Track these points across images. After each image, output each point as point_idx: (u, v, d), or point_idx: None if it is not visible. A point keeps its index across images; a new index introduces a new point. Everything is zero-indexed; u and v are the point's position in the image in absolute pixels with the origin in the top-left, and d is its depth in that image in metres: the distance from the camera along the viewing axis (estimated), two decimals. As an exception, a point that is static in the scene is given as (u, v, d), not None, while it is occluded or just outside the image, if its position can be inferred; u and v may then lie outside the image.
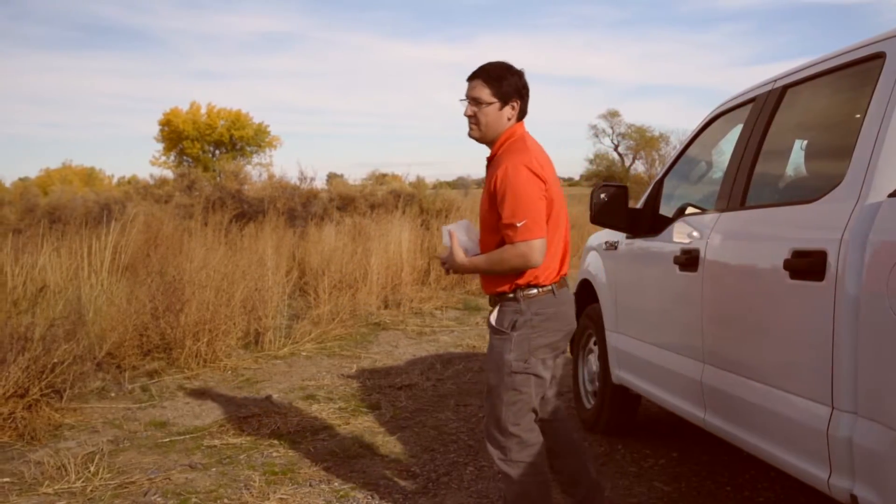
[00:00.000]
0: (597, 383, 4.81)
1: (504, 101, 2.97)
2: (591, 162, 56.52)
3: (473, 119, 3.00)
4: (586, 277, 5.02)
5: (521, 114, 3.05)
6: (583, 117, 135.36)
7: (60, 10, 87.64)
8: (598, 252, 4.87)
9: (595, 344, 4.88)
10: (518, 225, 2.78)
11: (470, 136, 3.05)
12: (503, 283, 2.93)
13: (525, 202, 2.79)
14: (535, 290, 2.92)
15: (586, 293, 5.05)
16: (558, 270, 2.99)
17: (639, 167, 52.03)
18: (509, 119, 2.99)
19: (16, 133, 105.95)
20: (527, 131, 3.07)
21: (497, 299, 2.98)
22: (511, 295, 2.92)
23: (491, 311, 3.03)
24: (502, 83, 2.96)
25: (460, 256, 3.01)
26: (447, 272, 3.14)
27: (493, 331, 2.98)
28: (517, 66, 3.03)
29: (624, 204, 4.03)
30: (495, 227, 2.90)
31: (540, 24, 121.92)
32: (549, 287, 2.95)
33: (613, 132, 56.87)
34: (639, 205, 4.25)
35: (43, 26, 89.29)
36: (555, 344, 2.99)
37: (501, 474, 3.02)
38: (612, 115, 56.91)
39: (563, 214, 3.02)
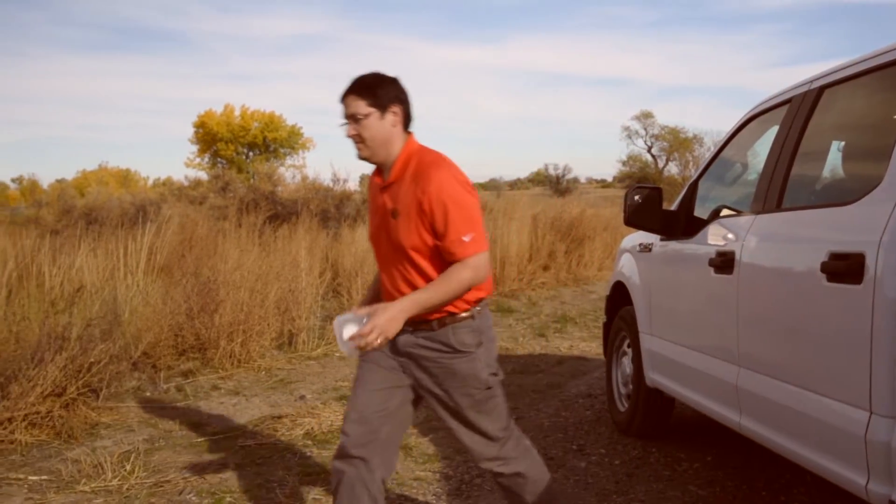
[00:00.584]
0: (630, 386, 4.79)
1: (382, 109, 2.74)
2: (624, 163, 56.09)
3: (358, 138, 2.73)
4: (620, 279, 5.00)
5: (407, 120, 2.83)
6: (616, 118, 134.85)
7: (96, 14, 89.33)
8: (632, 254, 4.84)
9: (629, 346, 4.85)
10: (466, 239, 2.63)
11: (360, 157, 2.79)
12: (453, 304, 2.73)
13: (468, 215, 2.66)
14: (481, 304, 2.83)
15: (620, 295, 5.02)
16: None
17: (672, 169, 51.49)
18: (394, 126, 2.76)
19: (53, 135, 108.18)
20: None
21: (445, 321, 2.75)
22: (467, 314, 2.76)
23: (414, 333, 2.77)
24: (376, 91, 2.73)
25: (396, 305, 2.62)
26: (383, 340, 2.59)
27: (454, 353, 2.76)
28: (391, 73, 2.80)
29: (658, 206, 4.01)
30: (430, 252, 2.71)
31: (572, 25, 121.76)
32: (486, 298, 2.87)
33: (647, 133, 56.41)
34: (673, 206, 4.22)
35: (79, 29, 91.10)
36: None
37: (513, 476, 2.93)
38: (646, 117, 56.45)
39: None
